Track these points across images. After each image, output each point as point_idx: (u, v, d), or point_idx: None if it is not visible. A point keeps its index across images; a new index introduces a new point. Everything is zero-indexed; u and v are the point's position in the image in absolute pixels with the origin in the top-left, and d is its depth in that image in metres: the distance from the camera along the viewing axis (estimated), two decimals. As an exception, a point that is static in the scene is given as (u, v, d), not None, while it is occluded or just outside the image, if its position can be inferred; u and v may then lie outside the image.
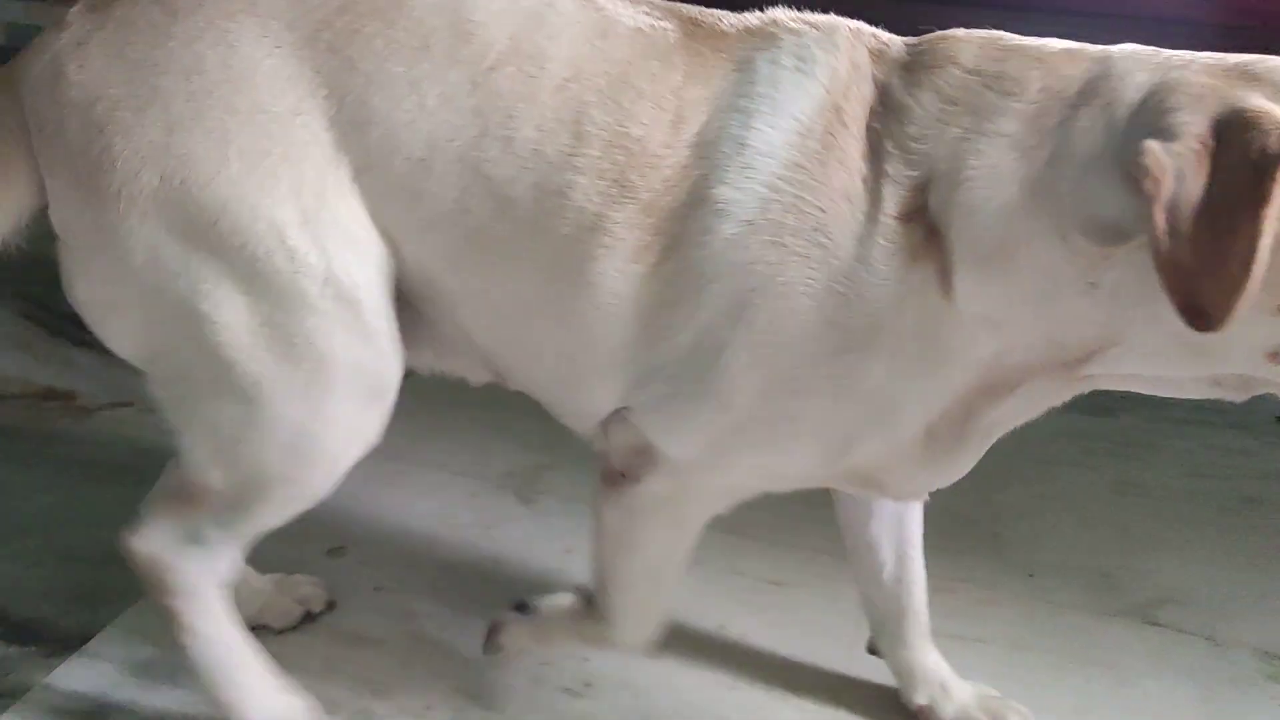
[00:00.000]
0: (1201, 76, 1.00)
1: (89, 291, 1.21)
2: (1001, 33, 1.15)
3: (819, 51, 1.15)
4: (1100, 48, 1.11)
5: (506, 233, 1.17)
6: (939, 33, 1.17)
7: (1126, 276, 1.01)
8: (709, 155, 1.13)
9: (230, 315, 1.15)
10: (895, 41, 1.19)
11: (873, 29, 1.22)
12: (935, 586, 1.77)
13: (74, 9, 1.19)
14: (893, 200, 1.08)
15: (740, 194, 1.11)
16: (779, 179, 1.09)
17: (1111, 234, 1.00)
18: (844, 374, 1.11)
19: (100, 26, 1.16)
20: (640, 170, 1.14)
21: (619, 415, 1.21)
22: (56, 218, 1.19)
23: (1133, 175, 0.94)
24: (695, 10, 1.24)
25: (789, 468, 1.21)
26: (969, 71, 1.09)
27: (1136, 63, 1.05)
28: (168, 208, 1.13)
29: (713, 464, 1.19)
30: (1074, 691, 1.57)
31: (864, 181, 1.09)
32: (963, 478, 1.88)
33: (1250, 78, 0.99)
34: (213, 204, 1.13)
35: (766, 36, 1.18)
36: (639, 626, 1.37)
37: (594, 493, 1.28)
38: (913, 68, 1.13)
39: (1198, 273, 0.92)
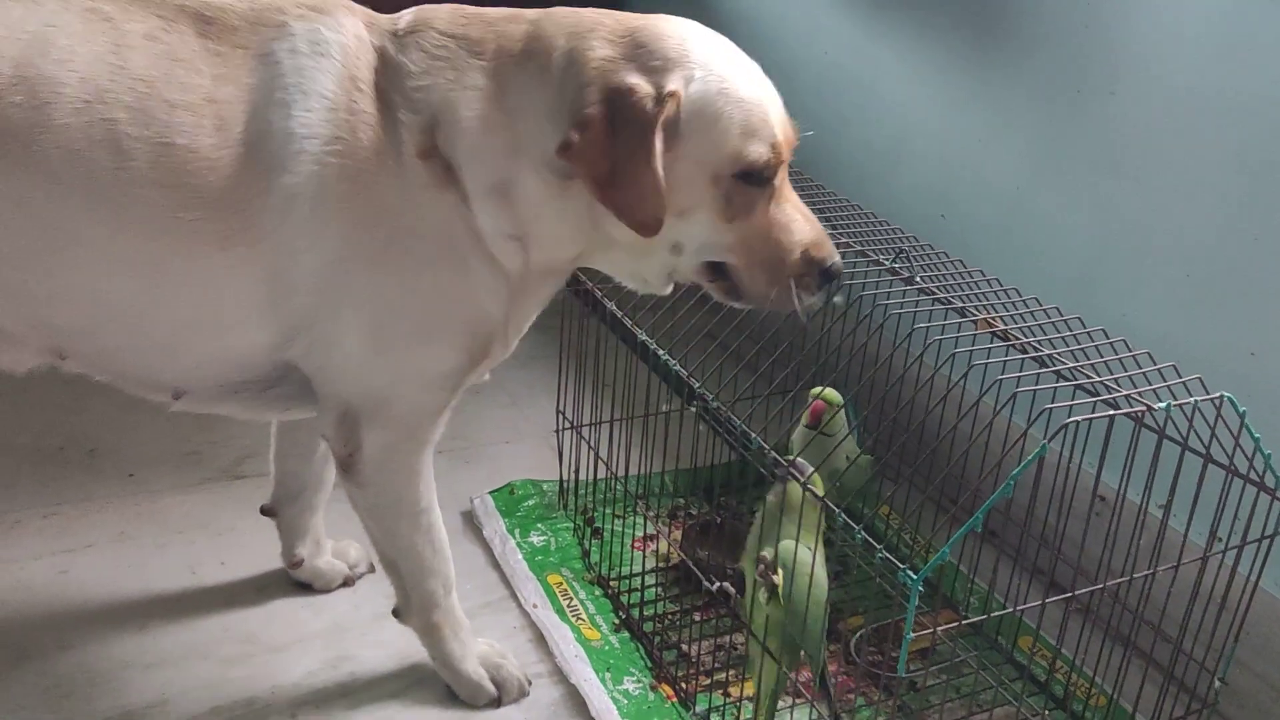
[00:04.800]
0: (601, 49, 1.24)
1: None
2: (461, 6, 1.34)
3: (328, 33, 1.27)
4: (534, 12, 1.30)
5: (76, 238, 1.20)
6: (417, 8, 1.34)
7: (580, 205, 1.28)
8: (264, 149, 1.22)
9: None
10: (381, 16, 1.33)
11: (357, 5, 1.34)
12: (39, 514, 1.85)
13: None
14: (410, 142, 1.26)
15: (300, 178, 1.23)
16: (326, 153, 1.23)
17: (565, 172, 1.26)
18: (439, 284, 1.29)
19: None
20: (198, 175, 1.20)
21: (318, 407, 1.37)
22: None
23: (566, 158, 1.21)
24: (203, 4, 1.27)
25: (444, 365, 1.35)
26: (443, 34, 1.29)
27: (557, 27, 1.28)
28: None
29: (391, 390, 1.34)
30: (181, 556, 1.79)
31: (385, 134, 1.25)
32: (45, 413, 2.08)
33: (636, 46, 1.24)
34: None
35: (277, 26, 1.27)
36: (440, 584, 1.49)
37: (347, 494, 1.43)
38: (401, 34, 1.30)
39: (633, 204, 1.22)
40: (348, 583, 1.77)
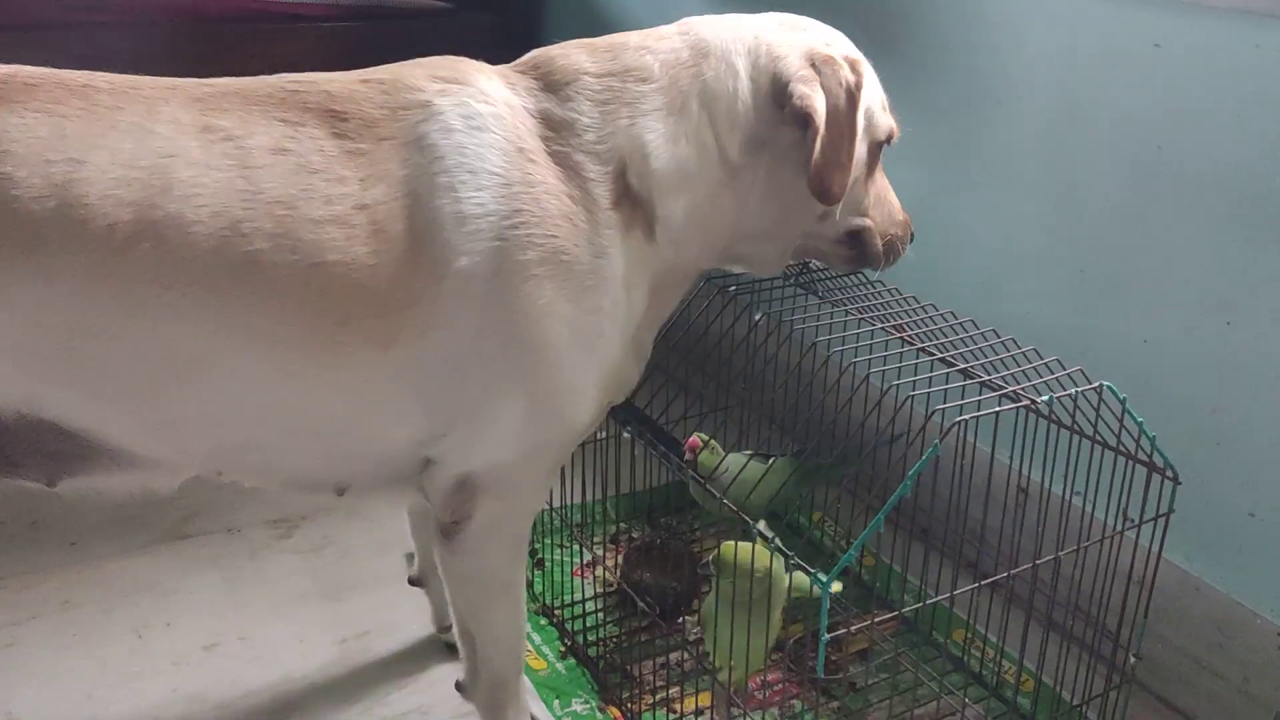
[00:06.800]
0: (774, 33, 1.32)
1: None
2: (580, 40, 1.33)
3: (479, 105, 1.21)
4: (662, 28, 1.35)
5: (228, 371, 1.14)
6: (540, 54, 1.31)
7: (756, 181, 1.31)
8: (433, 238, 1.16)
9: None
10: (507, 70, 1.30)
11: (485, 65, 1.29)
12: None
13: None
14: (604, 196, 1.23)
15: (478, 258, 1.16)
16: (507, 229, 1.17)
17: (757, 146, 1.30)
18: (603, 334, 1.26)
19: None
20: (356, 286, 1.13)
21: (429, 471, 1.27)
22: None
23: (797, 112, 1.26)
24: (328, 98, 1.18)
25: (579, 426, 1.31)
26: (602, 76, 1.27)
27: (710, 26, 1.33)
28: None
29: (523, 463, 1.27)
30: (127, 620, 1.80)
31: (572, 198, 1.22)
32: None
33: (797, 29, 1.34)
34: None
35: (421, 107, 1.20)
36: (518, 653, 1.43)
37: (440, 558, 1.35)
38: (552, 88, 1.27)
39: (828, 166, 1.27)
40: None
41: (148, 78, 1.17)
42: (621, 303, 1.28)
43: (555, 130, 1.24)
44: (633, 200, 1.26)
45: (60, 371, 1.12)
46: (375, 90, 1.21)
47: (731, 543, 1.43)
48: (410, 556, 1.97)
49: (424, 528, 1.68)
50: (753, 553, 1.39)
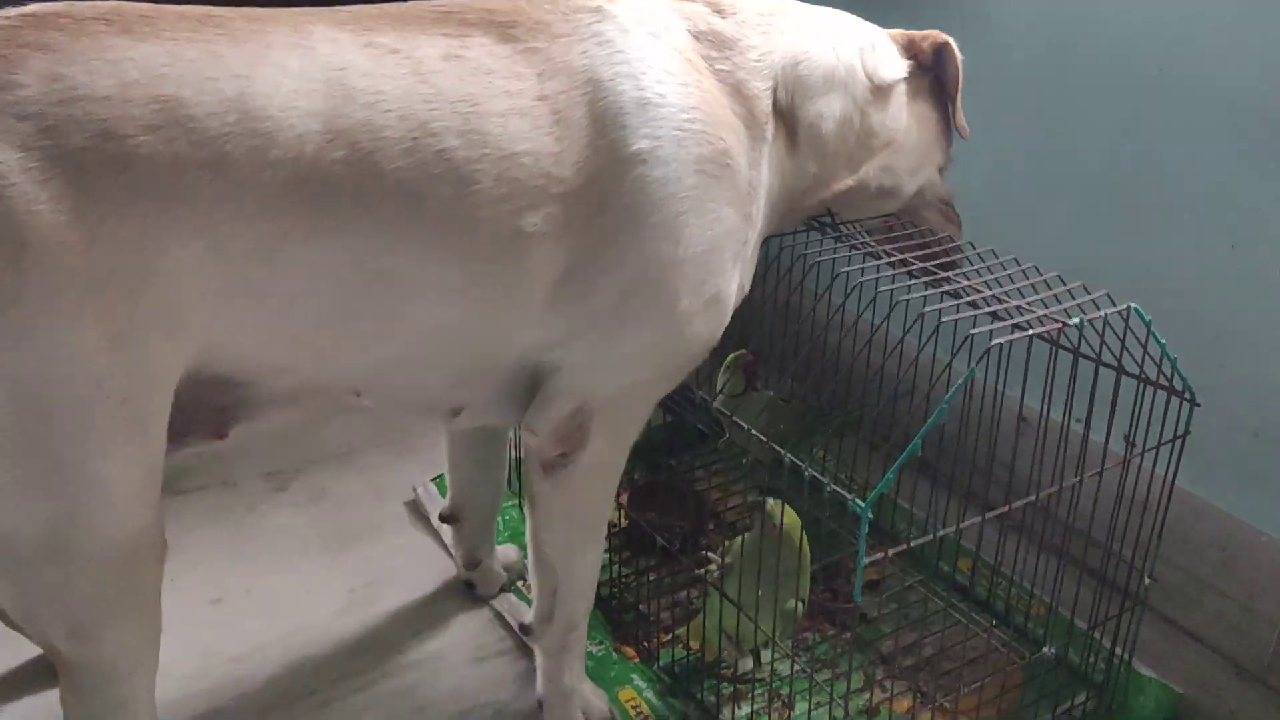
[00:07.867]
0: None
1: None
2: None
3: (649, 14, 1.26)
4: None
5: (415, 280, 1.12)
6: None
7: (902, 96, 1.47)
8: (614, 121, 1.17)
9: None
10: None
11: None
12: None
13: None
14: (763, 109, 1.31)
15: (659, 141, 1.19)
16: (685, 120, 1.21)
17: (896, 76, 1.46)
18: (748, 243, 1.31)
19: None
20: (545, 174, 1.14)
21: (541, 399, 1.25)
22: None
23: (938, 44, 1.48)
24: (487, 14, 1.18)
25: (712, 340, 1.31)
26: (764, 14, 1.37)
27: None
28: None
29: (646, 387, 1.29)
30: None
31: (734, 112, 1.28)
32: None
33: None
34: None
35: (592, 11, 1.23)
36: (585, 607, 1.43)
37: (532, 495, 1.33)
38: (720, 13, 1.34)
39: (959, 107, 1.50)
40: (504, 588, 1.76)
41: (269, 9, 1.10)
42: (762, 216, 1.34)
43: (719, 49, 1.31)
44: (779, 111, 1.34)
45: (242, 308, 1.05)
46: (540, 2, 1.23)
47: (779, 503, 1.46)
48: (411, 505, 1.96)
49: (463, 460, 1.67)
50: (801, 532, 1.41)
